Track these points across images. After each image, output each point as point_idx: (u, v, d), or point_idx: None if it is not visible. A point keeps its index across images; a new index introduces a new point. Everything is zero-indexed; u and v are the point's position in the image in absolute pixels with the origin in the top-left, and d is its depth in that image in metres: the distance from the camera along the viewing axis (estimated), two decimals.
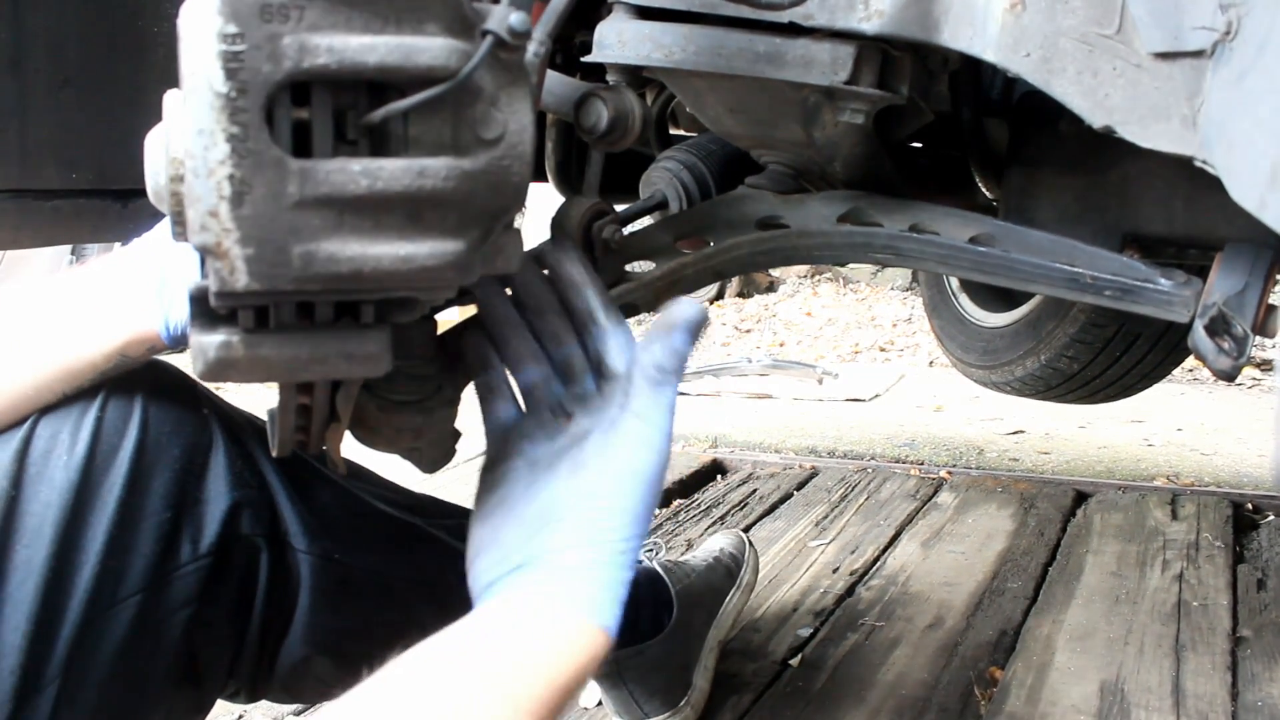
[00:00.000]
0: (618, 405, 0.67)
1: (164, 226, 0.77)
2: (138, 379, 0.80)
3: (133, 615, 0.77)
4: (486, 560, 0.65)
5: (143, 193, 0.54)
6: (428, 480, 1.41)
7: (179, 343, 0.74)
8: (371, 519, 0.95)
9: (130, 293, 0.75)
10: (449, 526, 1.03)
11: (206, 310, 0.54)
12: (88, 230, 1.07)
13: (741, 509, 2.16)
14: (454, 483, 2.42)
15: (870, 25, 0.79)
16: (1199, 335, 0.80)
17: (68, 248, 3.84)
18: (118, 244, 1.12)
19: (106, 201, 1.04)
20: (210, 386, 0.78)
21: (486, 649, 0.59)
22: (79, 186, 1.01)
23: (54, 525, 0.74)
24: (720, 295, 5.69)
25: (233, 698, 0.93)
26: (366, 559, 0.93)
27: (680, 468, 2.48)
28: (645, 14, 0.88)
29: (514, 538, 0.65)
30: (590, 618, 0.60)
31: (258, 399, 0.77)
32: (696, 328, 0.67)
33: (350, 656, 0.94)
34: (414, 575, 0.97)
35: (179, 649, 0.80)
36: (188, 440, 0.81)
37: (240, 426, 0.87)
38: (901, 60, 0.84)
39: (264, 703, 0.97)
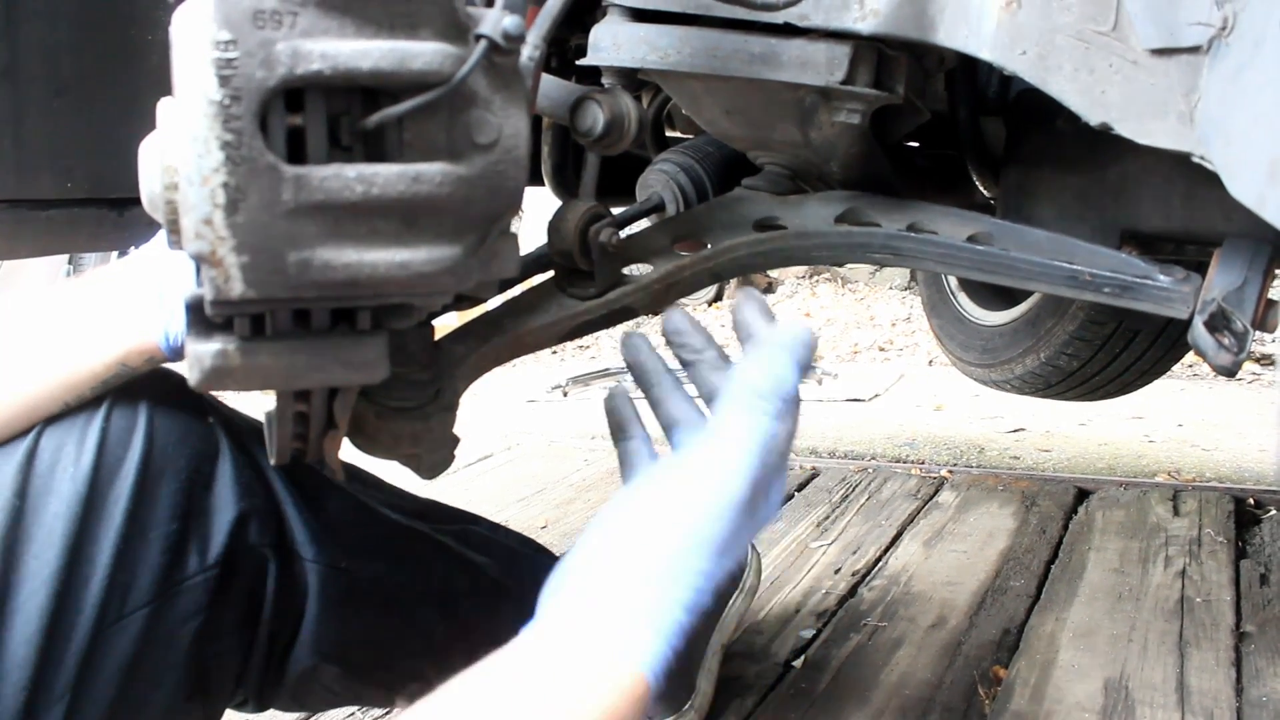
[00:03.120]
0: (707, 429, 0.67)
1: (163, 236, 0.77)
2: (142, 388, 0.79)
3: (141, 628, 0.76)
4: (556, 577, 0.62)
5: (138, 201, 0.54)
6: (428, 486, 1.41)
7: (179, 354, 0.74)
8: (378, 526, 0.95)
9: (131, 303, 0.75)
10: (454, 532, 1.03)
11: (202, 319, 0.54)
12: (84, 239, 1.06)
13: None
14: (454, 488, 2.42)
15: (865, 25, 0.79)
16: (1199, 331, 0.80)
17: (65, 257, 3.84)
18: (114, 253, 1.11)
19: (102, 210, 1.04)
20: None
21: (518, 686, 0.56)
22: (74, 195, 1.01)
23: (63, 537, 0.74)
24: (719, 297, 5.69)
25: (240, 707, 0.92)
26: (373, 567, 0.92)
27: None
28: (640, 16, 0.87)
29: (577, 560, 0.62)
30: (627, 662, 0.57)
31: (259, 403, 0.77)
32: (802, 354, 0.68)
33: (358, 665, 0.94)
34: (420, 582, 0.97)
35: (187, 661, 0.80)
36: (194, 450, 0.81)
37: (246, 435, 0.86)
38: (897, 60, 0.84)
39: (271, 711, 0.96)
